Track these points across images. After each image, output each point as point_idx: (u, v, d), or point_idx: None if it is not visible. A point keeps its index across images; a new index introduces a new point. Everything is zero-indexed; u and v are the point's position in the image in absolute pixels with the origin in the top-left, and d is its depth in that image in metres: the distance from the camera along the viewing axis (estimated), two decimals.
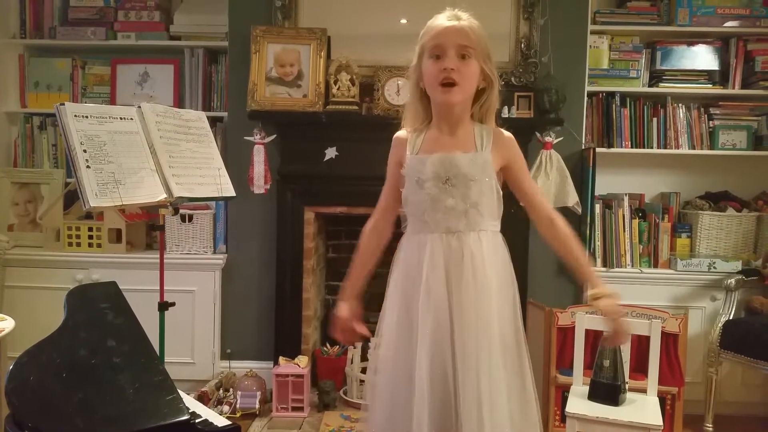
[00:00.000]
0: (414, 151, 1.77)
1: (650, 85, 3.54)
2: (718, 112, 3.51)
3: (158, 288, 2.46)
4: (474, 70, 1.70)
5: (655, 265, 3.41)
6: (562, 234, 1.75)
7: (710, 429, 3.04)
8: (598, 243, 3.35)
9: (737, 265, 3.27)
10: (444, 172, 1.70)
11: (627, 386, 2.49)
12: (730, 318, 3.07)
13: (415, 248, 1.74)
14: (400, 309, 1.75)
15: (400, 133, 1.84)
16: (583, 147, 3.42)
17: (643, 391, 2.51)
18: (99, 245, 3.42)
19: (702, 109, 3.52)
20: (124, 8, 3.62)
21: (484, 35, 1.72)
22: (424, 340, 1.66)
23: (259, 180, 3.29)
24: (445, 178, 1.70)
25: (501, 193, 1.77)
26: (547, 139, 3.24)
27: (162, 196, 2.29)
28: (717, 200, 3.50)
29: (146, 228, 3.59)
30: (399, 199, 1.83)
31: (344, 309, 1.81)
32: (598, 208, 3.34)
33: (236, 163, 3.27)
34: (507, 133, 1.80)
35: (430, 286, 1.68)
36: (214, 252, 3.47)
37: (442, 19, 1.72)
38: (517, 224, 3.32)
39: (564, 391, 2.77)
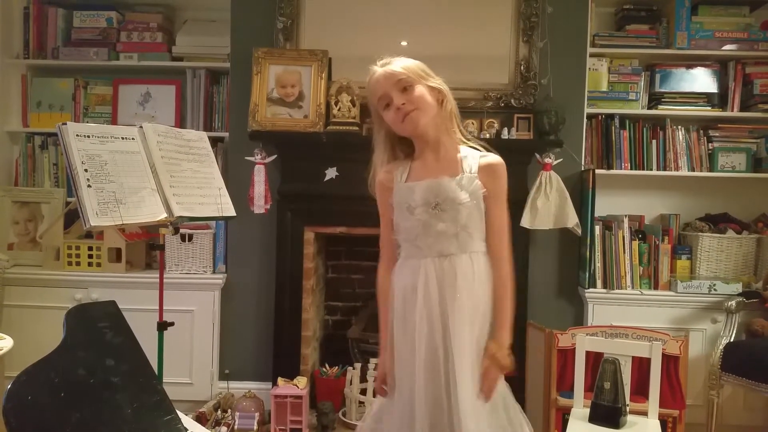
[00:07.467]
0: (402, 180, 1.82)
1: (649, 108, 3.56)
2: (717, 134, 3.52)
3: (157, 308, 2.45)
4: (421, 92, 1.76)
5: (656, 287, 3.40)
6: (497, 279, 1.79)
7: None
8: (598, 264, 3.34)
9: (737, 288, 3.26)
10: (433, 197, 1.75)
11: (628, 409, 2.48)
12: (731, 340, 3.06)
13: (409, 272, 1.78)
14: (398, 334, 1.79)
15: (382, 177, 1.86)
16: (582, 168, 3.43)
17: (644, 413, 2.50)
18: (99, 264, 3.42)
19: (701, 132, 3.53)
20: (127, 29, 3.66)
21: (412, 63, 1.80)
22: (420, 367, 1.71)
23: (260, 200, 3.30)
24: (435, 204, 1.75)
25: None
26: (547, 160, 3.26)
27: (162, 215, 2.29)
28: (717, 222, 3.50)
29: (146, 247, 3.59)
30: None
31: (388, 362, 1.82)
32: (597, 229, 3.34)
33: (237, 183, 3.28)
34: (494, 161, 1.81)
35: (424, 308, 1.73)
36: (214, 272, 3.47)
37: (374, 71, 1.82)
38: (517, 245, 3.34)
39: (564, 414, 2.75)
